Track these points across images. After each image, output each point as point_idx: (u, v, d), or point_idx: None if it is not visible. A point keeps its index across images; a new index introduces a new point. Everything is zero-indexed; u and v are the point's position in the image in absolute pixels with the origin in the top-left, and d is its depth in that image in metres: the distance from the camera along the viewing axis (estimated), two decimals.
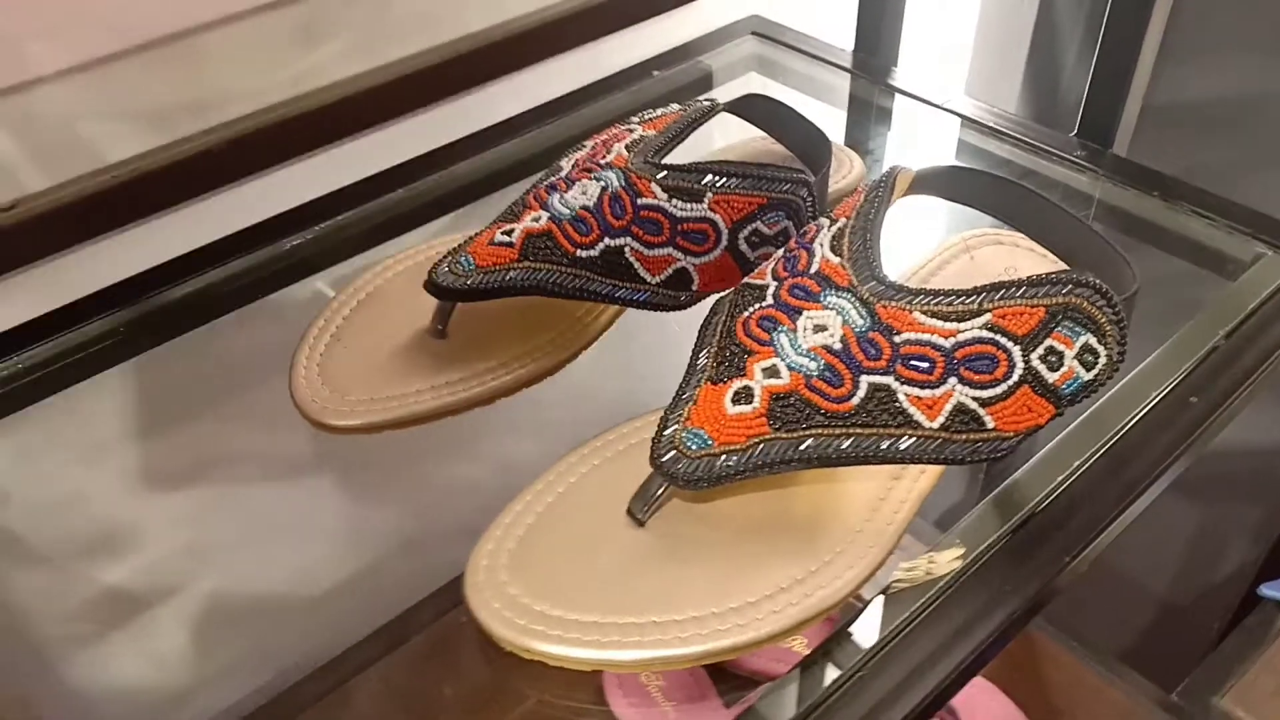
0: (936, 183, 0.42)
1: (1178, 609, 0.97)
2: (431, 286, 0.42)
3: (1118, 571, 0.98)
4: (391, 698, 0.58)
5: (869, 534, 0.36)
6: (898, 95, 0.65)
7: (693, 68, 0.68)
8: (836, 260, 0.37)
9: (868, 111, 0.66)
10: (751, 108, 0.50)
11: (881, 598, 0.36)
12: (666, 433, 0.35)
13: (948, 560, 0.37)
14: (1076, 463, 0.40)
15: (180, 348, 0.51)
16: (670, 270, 0.43)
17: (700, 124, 0.47)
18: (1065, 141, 0.59)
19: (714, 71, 0.68)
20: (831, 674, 0.34)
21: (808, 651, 0.35)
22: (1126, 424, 0.42)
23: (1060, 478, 0.40)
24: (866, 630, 0.35)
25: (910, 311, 0.35)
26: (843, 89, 0.67)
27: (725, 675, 0.59)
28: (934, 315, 0.35)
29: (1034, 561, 0.38)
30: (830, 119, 0.65)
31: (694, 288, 0.44)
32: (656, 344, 0.49)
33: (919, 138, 0.64)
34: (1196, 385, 0.44)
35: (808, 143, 0.49)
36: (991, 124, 0.61)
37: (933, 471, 0.38)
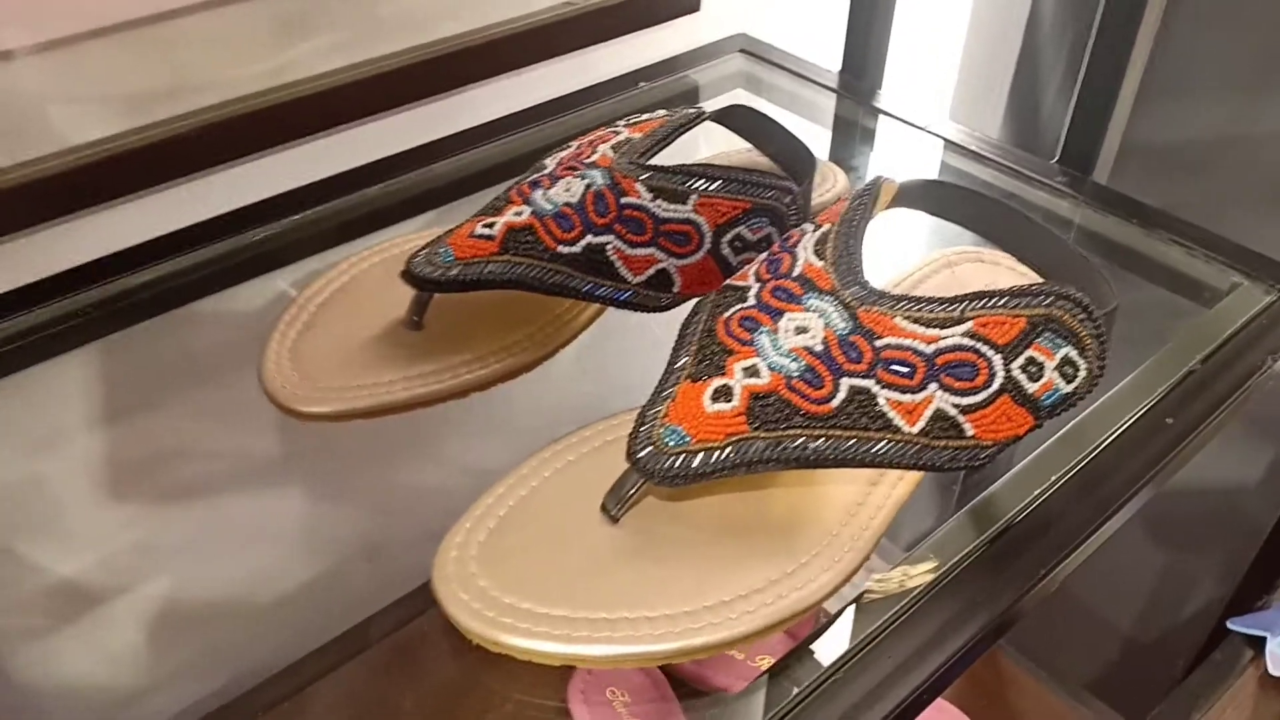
0: (920, 195, 0.42)
1: (1146, 642, 0.97)
2: (408, 277, 0.41)
3: (1088, 604, 0.98)
4: (351, 705, 0.57)
5: (845, 538, 0.36)
6: (882, 116, 0.66)
7: (680, 81, 0.68)
8: (820, 264, 0.37)
9: (852, 131, 0.67)
10: (737, 118, 0.50)
11: (853, 608, 0.36)
12: (644, 428, 0.35)
13: (921, 571, 0.37)
14: (1053, 478, 0.40)
15: (144, 335, 0.50)
16: (652, 270, 0.43)
17: (686, 130, 0.47)
18: (1046, 168, 0.60)
19: (701, 86, 0.68)
20: (799, 683, 0.33)
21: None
22: (1103, 442, 0.42)
23: (1037, 492, 0.40)
24: (837, 640, 0.35)
25: (892, 316, 0.35)
26: (828, 108, 0.67)
27: (691, 692, 0.58)
28: (915, 321, 0.35)
29: (1007, 574, 0.37)
30: (815, 137, 0.65)
31: (675, 290, 0.43)
32: (636, 346, 0.49)
33: (901, 159, 0.65)
34: (1171, 408, 0.44)
35: (792, 154, 0.49)
36: (974, 148, 0.61)
37: (910, 478, 0.38)
